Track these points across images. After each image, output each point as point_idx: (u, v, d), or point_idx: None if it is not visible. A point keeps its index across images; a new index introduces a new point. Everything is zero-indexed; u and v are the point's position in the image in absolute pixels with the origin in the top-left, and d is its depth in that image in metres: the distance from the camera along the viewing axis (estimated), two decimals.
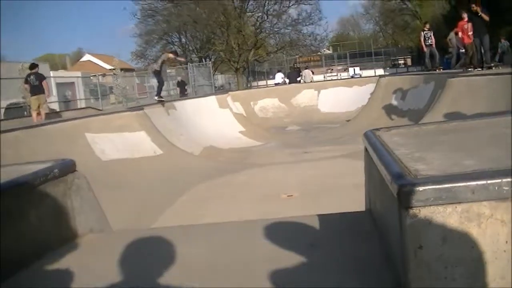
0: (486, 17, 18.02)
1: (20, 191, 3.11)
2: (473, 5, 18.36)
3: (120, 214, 7.43)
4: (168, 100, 21.31)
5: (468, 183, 1.89)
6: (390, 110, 20.13)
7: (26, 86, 20.06)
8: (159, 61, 20.61)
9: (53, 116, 20.94)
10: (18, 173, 3.28)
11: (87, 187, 3.75)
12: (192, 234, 3.56)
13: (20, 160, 5.37)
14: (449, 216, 1.90)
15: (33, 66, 20.74)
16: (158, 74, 20.56)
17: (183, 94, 33.69)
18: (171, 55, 21.76)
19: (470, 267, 1.90)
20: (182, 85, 35.74)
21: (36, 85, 19.56)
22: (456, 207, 1.89)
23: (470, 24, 19.04)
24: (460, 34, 20.41)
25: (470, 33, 19.11)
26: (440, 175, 2.01)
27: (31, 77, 19.69)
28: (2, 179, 3.10)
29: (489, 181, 1.88)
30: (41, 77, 19.90)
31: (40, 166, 3.46)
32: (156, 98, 20.18)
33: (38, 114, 19.40)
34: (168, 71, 48.87)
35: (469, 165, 2.12)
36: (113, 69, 43.54)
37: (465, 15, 19.78)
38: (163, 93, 21.00)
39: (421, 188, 1.91)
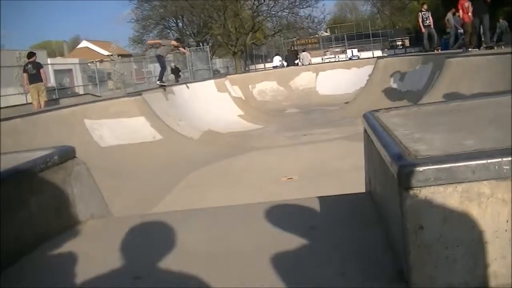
0: None
1: (20, 179, 3.10)
2: None
3: (120, 200, 7.45)
4: (167, 85, 21.26)
5: (468, 163, 1.89)
6: (388, 91, 20.13)
7: (24, 75, 20.02)
8: (164, 47, 20.62)
9: (52, 103, 21.02)
10: (17, 160, 3.28)
11: (87, 174, 3.75)
12: (192, 219, 3.55)
13: (20, 148, 5.37)
14: (449, 196, 1.90)
15: (30, 55, 20.73)
16: (161, 58, 20.48)
17: (177, 81, 33.58)
18: (175, 43, 21.76)
19: (470, 247, 1.90)
20: (176, 71, 35.68)
21: (34, 73, 19.65)
22: (456, 187, 1.89)
23: (469, 3, 18.94)
24: (460, 12, 20.05)
25: (470, 13, 19.02)
26: (440, 155, 2.00)
27: (29, 66, 19.81)
28: (2, 167, 3.10)
29: (489, 161, 1.87)
30: (38, 66, 20.02)
31: (39, 153, 3.46)
32: (158, 82, 20.26)
33: (38, 102, 19.55)
34: (167, 55, 48.88)
35: (469, 145, 2.11)
36: (111, 55, 43.57)
37: None
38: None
39: (421, 169, 1.90)
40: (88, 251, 3.04)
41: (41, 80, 19.87)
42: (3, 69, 26.19)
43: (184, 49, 21.32)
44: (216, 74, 40.88)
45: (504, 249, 1.89)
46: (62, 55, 72.00)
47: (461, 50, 19.11)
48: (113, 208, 4.07)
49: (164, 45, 20.94)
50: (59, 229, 3.36)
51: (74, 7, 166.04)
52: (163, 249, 2.87)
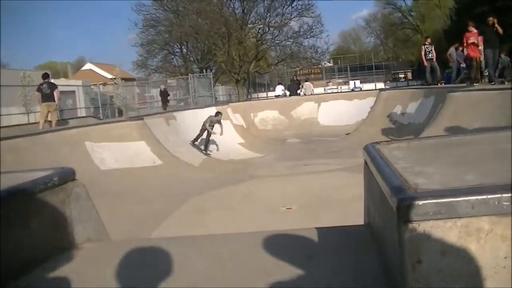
0: (500, 30, 18.02)
1: (20, 199, 3.10)
2: (490, 17, 18.32)
3: (119, 223, 7.42)
4: (169, 111, 21.27)
5: (468, 198, 1.88)
6: (390, 124, 20.15)
7: (38, 93, 21.08)
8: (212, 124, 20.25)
9: (61, 123, 21.20)
10: (17, 180, 3.28)
11: (86, 196, 3.74)
12: (190, 245, 3.55)
13: (20, 167, 5.37)
14: (448, 230, 1.89)
15: (45, 75, 22.11)
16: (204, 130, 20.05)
17: (166, 105, 33.36)
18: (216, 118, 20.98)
19: (469, 282, 1.89)
20: (164, 94, 35.40)
21: (48, 93, 20.72)
22: (455, 221, 1.89)
23: (480, 37, 18.92)
24: (465, 46, 19.97)
25: (480, 47, 19.00)
26: (440, 189, 2.00)
27: (44, 85, 20.95)
28: (3, 186, 3.10)
29: (489, 196, 1.87)
30: (53, 87, 21.24)
31: (39, 174, 3.46)
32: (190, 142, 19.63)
33: (46, 121, 20.48)
34: (168, 81, 49.06)
35: (469, 180, 2.11)
36: (114, 78, 43.59)
37: (472, 28, 19.55)
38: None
39: (420, 202, 1.90)
40: (84, 274, 3.03)
41: (53, 100, 20.82)
42: (7, 88, 26.32)
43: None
44: (218, 101, 41.00)
45: (503, 285, 1.88)
46: (66, 76, 72.23)
47: (464, 85, 19.10)
48: (111, 231, 4.05)
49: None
50: (56, 251, 3.34)
51: (79, 29, 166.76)
52: (159, 275, 2.86)
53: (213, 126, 19.89)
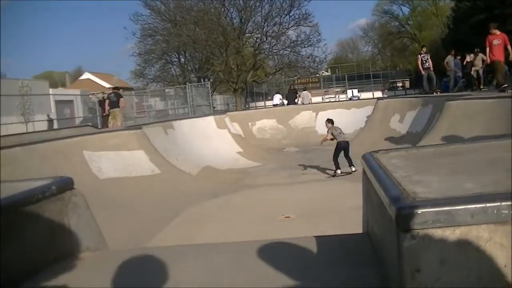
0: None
1: (17, 208, 3.09)
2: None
3: (117, 233, 7.41)
4: (165, 120, 21.26)
5: (467, 206, 1.88)
6: (388, 132, 20.17)
7: (107, 101, 26.29)
8: None
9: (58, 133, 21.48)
10: (15, 189, 3.27)
11: (84, 205, 3.74)
12: (187, 254, 3.54)
13: (18, 177, 5.36)
14: (447, 239, 1.89)
15: (115, 87, 28.66)
16: None
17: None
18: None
19: None
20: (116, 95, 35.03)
21: (114, 101, 25.39)
22: (454, 230, 1.89)
23: (505, 38, 18.56)
24: (487, 50, 19.40)
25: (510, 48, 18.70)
26: (438, 198, 2.00)
27: (111, 94, 26.05)
28: (1, 195, 3.10)
29: (488, 204, 1.87)
30: (118, 96, 25.89)
31: (37, 183, 3.45)
32: None
33: (113, 124, 24.70)
34: (166, 90, 49.08)
35: (468, 188, 2.11)
36: (112, 87, 43.67)
37: (494, 30, 19.28)
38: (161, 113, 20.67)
39: (419, 211, 1.90)
40: (82, 283, 3.02)
41: (118, 106, 25.34)
42: (5, 98, 26.43)
43: None
44: (216, 110, 41.00)
45: None
46: (64, 85, 72.31)
47: (498, 90, 18.40)
48: (109, 240, 4.04)
49: None
50: (54, 259, 3.34)
51: (77, 39, 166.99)
52: (157, 284, 2.85)
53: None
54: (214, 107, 45.34)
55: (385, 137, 19.58)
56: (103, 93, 32.45)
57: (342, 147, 15.84)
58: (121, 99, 25.84)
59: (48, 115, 32.84)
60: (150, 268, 3.24)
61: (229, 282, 2.86)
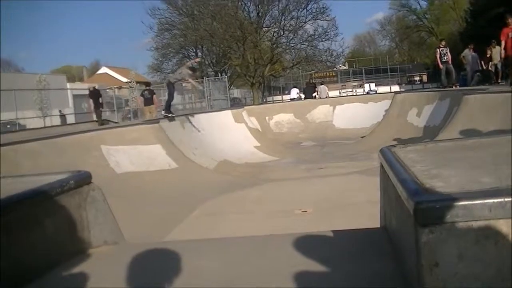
0: None
1: (36, 201, 3.12)
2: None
3: (134, 226, 7.43)
4: (182, 114, 21.26)
5: (485, 201, 1.87)
6: (405, 126, 20.06)
7: (141, 98, 27.50)
8: (177, 75, 19.76)
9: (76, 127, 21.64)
10: (34, 183, 3.29)
11: (102, 199, 3.76)
12: (205, 248, 3.55)
13: (37, 171, 5.39)
14: (465, 233, 1.88)
15: (148, 84, 30.10)
16: (171, 86, 19.58)
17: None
18: (189, 71, 19.82)
19: (486, 285, 1.88)
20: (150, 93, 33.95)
21: (149, 98, 26.37)
22: (472, 224, 1.88)
23: None
24: (502, 44, 19.07)
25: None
26: (457, 192, 1.99)
27: (145, 92, 27.01)
28: (20, 188, 3.12)
29: (506, 199, 1.86)
30: (152, 92, 27.14)
31: (56, 177, 3.48)
32: (163, 112, 19.79)
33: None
34: (184, 84, 49.12)
35: (486, 183, 2.10)
36: (129, 82, 43.74)
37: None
38: (178, 107, 20.44)
39: (437, 205, 1.90)
40: (99, 277, 3.04)
41: (153, 103, 26.40)
42: (23, 92, 26.63)
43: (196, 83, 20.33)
44: (233, 104, 40.97)
45: None
46: (81, 80, 72.58)
47: (479, 87, 18.40)
48: (127, 234, 4.06)
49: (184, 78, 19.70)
50: (72, 252, 3.36)
51: (94, 33, 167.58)
52: (174, 277, 2.86)
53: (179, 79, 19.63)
54: (234, 99, 45.28)
55: (403, 131, 19.48)
56: (94, 88, 30.67)
57: None
58: (154, 95, 27.07)
59: (60, 111, 33.06)
60: (167, 262, 3.25)
61: (246, 276, 2.87)
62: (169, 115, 18.99)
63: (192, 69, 20.15)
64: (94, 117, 29.37)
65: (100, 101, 29.35)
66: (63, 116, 33.05)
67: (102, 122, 26.80)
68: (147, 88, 27.91)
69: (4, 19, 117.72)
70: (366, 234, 3.47)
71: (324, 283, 2.61)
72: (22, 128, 25.13)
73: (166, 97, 19.90)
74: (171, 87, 19.54)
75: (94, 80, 67.23)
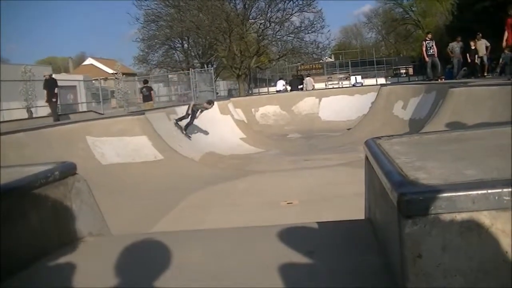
0: None
1: (21, 193, 3.10)
2: None
3: (119, 218, 7.43)
4: (168, 106, 21.19)
5: (469, 193, 1.88)
6: (391, 119, 20.15)
7: (140, 95, 29.37)
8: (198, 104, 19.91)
9: (63, 118, 21.49)
10: (19, 174, 3.28)
11: (87, 190, 3.75)
12: (190, 240, 3.55)
13: (22, 162, 5.38)
14: (449, 225, 1.89)
15: (146, 81, 31.19)
16: (195, 110, 19.39)
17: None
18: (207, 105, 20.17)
19: (469, 277, 1.89)
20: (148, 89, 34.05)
21: (147, 95, 28.10)
22: (456, 216, 1.89)
23: None
24: (506, 33, 18.51)
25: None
26: (440, 184, 2.00)
27: (144, 89, 28.66)
28: (3, 180, 3.10)
29: (489, 191, 1.87)
30: (150, 89, 28.91)
31: (41, 168, 3.46)
32: (177, 122, 19.33)
33: None
34: (170, 76, 49.00)
35: (470, 175, 2.11)
36: (115, 73, 43.52)
37: None
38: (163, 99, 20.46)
39: (421, 197, 1.90)
40: (85, 268, 3.03)
41: (151, 99, 28.19)
42: (8, 83, 26.40)
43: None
44: (218, 96, 40.92)
45: (504, 280, 1.88)
46: (67, 71, 72.20)
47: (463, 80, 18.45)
48: (112, 226, 4.06)
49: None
50: (57, 244, 3.35)
51: (80, 24, 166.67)
52: (159, 268, 2.86)
53: (201, 111, 19.47)
54: (217, 93, 45.18)
55: (388, 123, 19.56)
56: (50, 76, 28.15)
57: None
58: (152, 91, 29.06)
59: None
60: (153, 253, 3.25)
61: (232, 267, 2.87)
62: (184, 131, 19.03)
63: (209, 101, 20.49)
64: (49, 111, 24.27)
65: (56, 92, 23.56)
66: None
67: (58, 118, 22.21)
68: (145, 85, 29.35)
69: None
70: (351, 225, 3.48)
71: (310, 275, 2.62)
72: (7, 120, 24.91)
73: (188, 120, 19.36)
74: (195, 111, 19.35)
75: (80, 71, 67.00)
